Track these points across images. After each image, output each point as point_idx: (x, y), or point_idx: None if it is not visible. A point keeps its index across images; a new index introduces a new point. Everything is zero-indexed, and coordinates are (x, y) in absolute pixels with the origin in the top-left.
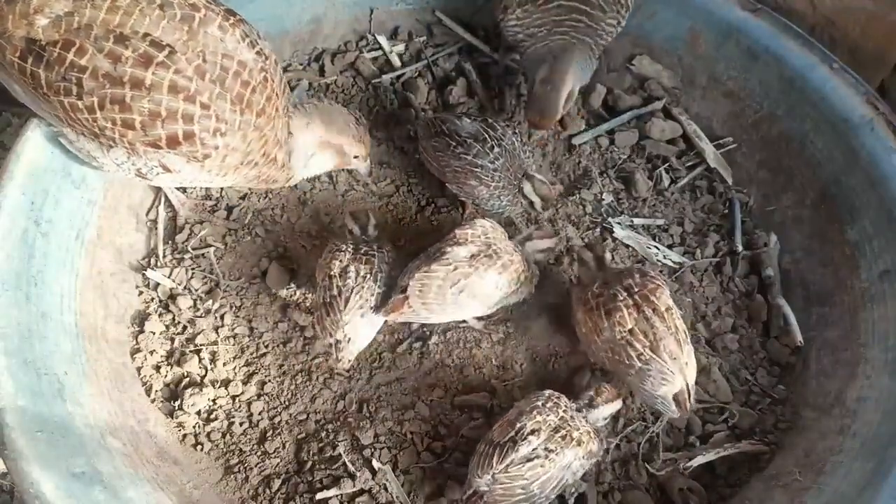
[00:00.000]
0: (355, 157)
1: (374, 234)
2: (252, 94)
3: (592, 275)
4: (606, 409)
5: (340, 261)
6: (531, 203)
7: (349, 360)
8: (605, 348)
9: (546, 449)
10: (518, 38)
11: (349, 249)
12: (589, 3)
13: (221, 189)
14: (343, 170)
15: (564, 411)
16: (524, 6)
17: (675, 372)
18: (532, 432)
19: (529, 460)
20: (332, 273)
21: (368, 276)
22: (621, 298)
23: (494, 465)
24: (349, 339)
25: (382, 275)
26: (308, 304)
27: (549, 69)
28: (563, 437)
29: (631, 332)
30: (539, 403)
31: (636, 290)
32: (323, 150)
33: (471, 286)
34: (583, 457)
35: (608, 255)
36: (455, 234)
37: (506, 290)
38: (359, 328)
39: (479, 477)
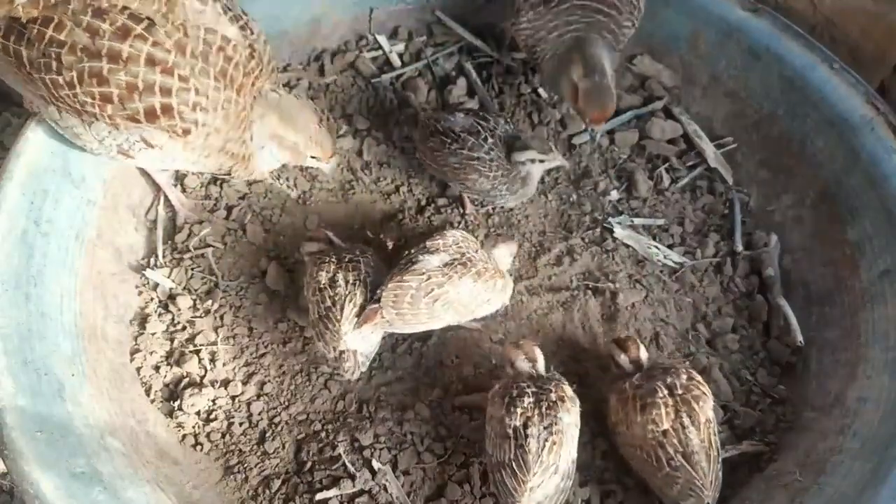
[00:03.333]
0: (312, 156)
1: (341, 243)
2: (235, 69)
3: (629, 370)
4: (540, 363)
5: (327, 272)
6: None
7: (360, 371)
8: (634, 444)
9: (546, 428)
10: (529, 42)
11: (333, 259)
12: (604, 1)
13: (221, 188)
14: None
15: (528, 386)
16: (536, 8)
17: (705, 487)
18: (525, 426)
19: (543, 449)
20: (321, 286)
21: (357, 282)
22: (660, 396)
23: (529, 478)
24: (355, 349)
25: (370, 279)
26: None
27: (582, 63)
28: (550, 407)
29: (665, 433)
30: (508, 398)
31: (679, 392)
32: (273, 143)
33: (445, 295)
34: (571, 407)
35: (643, 352)
36: (425, 244)
37: (481, 299)
38: (361, 336)
39: (520, 500)
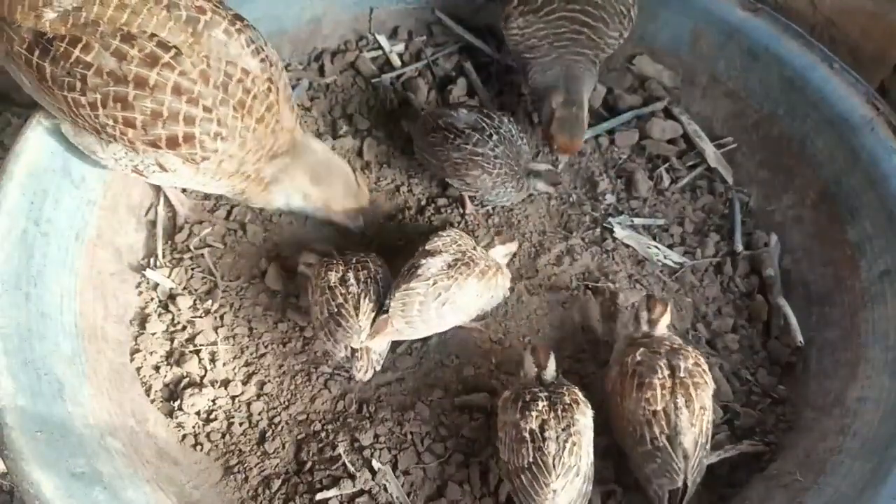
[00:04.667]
0: (345, 209)
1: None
2: (253, 101)
3: (642, 335)
4: (549, 370)
5: (336, 272)
6: (549, 195)
7: (374, 370)
8: (624, 416)
9: (564, 430)
10: (519, 48)
11: (341, 261)
12: (592, 15)
13: None
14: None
15: (540, 391)
16: (526, 16)
17: (681, 472)
18: (542, 429)
19: (563, 450)
20: (330, 285)
21: (370, 279)
22: (659, 377)
23: (552, 480)
24: (368, 348)
25: (381, 277)
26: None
27: (565, 93)
28: (565, 409)
29: (655, 413)
30: (522, 402)
31: (681, 374)
32: (306, 202)
33: (452, 297)
34: (585, 409)
35: (666, 318)
36: (425, 248)
37: (486, 297)
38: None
39: (545, 503)
